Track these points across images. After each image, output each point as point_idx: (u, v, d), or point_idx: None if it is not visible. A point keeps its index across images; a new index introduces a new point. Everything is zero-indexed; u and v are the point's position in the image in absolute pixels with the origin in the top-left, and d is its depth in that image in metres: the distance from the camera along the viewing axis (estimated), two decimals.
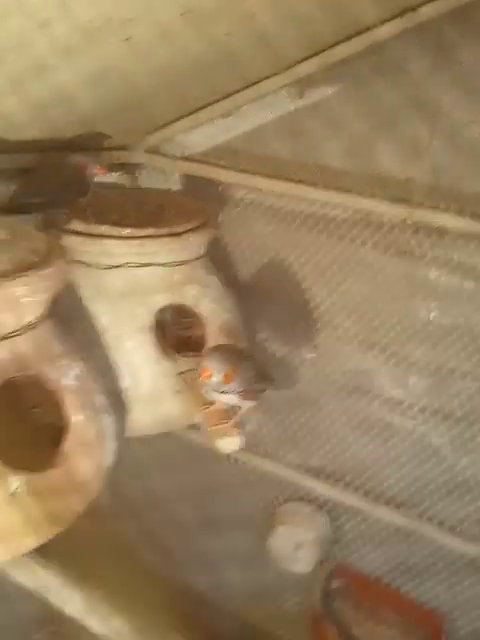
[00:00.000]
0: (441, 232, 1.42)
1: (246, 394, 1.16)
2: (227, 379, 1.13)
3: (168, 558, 1.90)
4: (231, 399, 1.17)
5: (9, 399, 1.06)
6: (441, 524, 1.58)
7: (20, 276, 0.91)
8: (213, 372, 1.12)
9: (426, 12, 1.20)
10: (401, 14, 1.22)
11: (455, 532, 1.57)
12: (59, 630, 1.57)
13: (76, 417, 1.00)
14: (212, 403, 1.20)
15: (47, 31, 0.88)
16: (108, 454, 1.06)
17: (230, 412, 1.23)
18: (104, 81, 1.13)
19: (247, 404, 1.19)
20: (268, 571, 1.80)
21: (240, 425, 1.22)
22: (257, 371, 1.19)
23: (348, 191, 1.42)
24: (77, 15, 0.86)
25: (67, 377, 1.00)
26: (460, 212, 1.35)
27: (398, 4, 1.20)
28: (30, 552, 0.95)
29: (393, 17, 1.22)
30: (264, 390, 1.25)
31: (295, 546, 1.67)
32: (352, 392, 1.62)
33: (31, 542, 0.94)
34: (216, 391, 1.15)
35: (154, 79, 1.19)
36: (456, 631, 1.64)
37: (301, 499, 1.74)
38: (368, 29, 1.25)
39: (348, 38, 1.27)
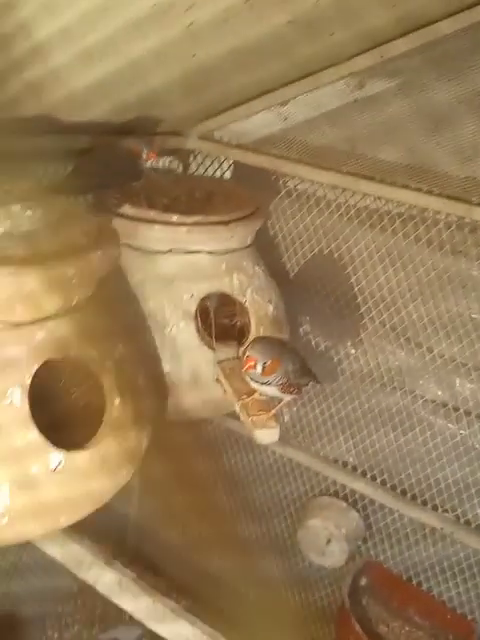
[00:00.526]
0: None
1: (288, 387, 1.15)
2: (270, 370, 1.12)
3: (195, 544, 1.93)
4: (272, 391, 1.17)
5: (51, 378, 1.09)
6: (478, 528, 1.55)
7: (70, 258, 0.92)
8: (256, 362, 1.12)
9: None
10: (463, 10, 1.17)
11: None
12: (84, 603, 1.63)
13: (115, 399, 1.02)
14: (252, 393, 1.20)
15: (113, 13, 0.89)
16: (144, 437, 1.07)
17: (269, 403, 1.23)
18: (162, 66, 1.13)
19: (288, 397, 1.19)
20: (297, 563, 1.81)
21: (279, 416, 1.22)
22: (300, 365, 1.18)
23: (404, 186, 1.38)
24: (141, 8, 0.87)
25: (109, 359, 1.02)
26: None
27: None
28: (66, 528, 0.99)
29: (455, 12, 1.17)
30: (306, 385, 1.24)
31: (326, 540, 1.66)
32: (395, 390, 1.59)
33: (67, 519, 0.97)
34: (258, 382, 1.15)
35: (212, 66, 1.18)
36: None
37: (335, 494, 1.73)
38: (429, 24, 1.20)
39: (408, 32, 1.23)
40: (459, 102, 1.31)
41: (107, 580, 0.99)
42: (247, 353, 1.13)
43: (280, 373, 1.14)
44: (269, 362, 1.12)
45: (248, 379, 1.16)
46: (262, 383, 1.15)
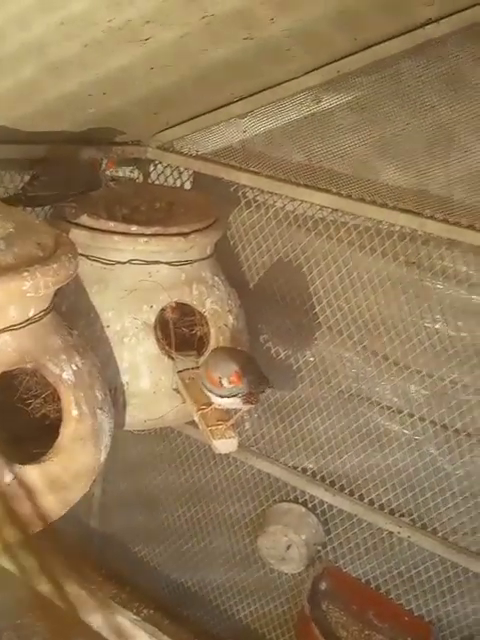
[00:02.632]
0: (451, 245, 1.42)
1: (247, 397, 1.16)
2: (235, 380, 1.13)
3: (157, 551, 1.93)
4: (234, 402, 1.18)
5: (8, 389, 1.08)
6: (434, 532, 1.58)
7: (25, 271, 0.92)
8: (220, 378, 1.13)
9: (444, 26, 1.20)
10: (417, 28, 1.21)
11: (447, 541, 1.57)
12: (43, 615, 1.61)
13: (73, 412, 1.01)
14: (210, 404, 1.21)
15: (66, 28, 0.89)
16: (102, 449, 1.07)
17: (228, 413, 1.24)
18: (122, 79, 1.14)
19: (247, 406, 1.20)
20: (257, 570, 1.82)
21: (237, 426, 1.23)
22: (258, 373, 1.20)
23: (359, 199, 1.42)
24: (99, 15, 0.87)
25: (66, 372, 1.02)
26: (471, 226, 1.35)
27: (415, 18, 1.19)
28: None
29: (409, 30, 1.22)
30: (263, 391, 1.26)
31: (286, 546, 1.68)
32: (352, 398, 1.62)
33: (23, 531, 0.96)
34: (221, 396, 1.16)
35: (171, 78, 1.19)
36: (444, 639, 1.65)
37: (294, 500, 1.75)
38: (384, 40, 1.25)
39: (365, 48, 1.27)
40: (412, 117, 1.35)
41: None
42: (210, 371, 1.13)
43: (243, 384, 1.15)
44: (232, 376, 1.13)
45: (209, 394, 1.17)
46: (224, 397, 1.16)
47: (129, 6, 0.87)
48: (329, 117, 1.42)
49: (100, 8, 0.86)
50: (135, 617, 1.08)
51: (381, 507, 1.63)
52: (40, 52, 0.95)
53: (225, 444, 1.21)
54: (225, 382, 1.13)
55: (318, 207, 1.52)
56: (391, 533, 1.63)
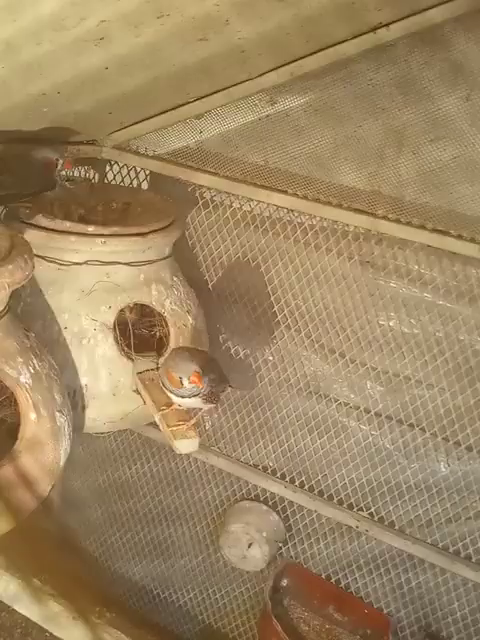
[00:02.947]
0: (403, 244, 1.46)
1: (208, 397, 1.16)
2: (195, 380, 1.13)
3: (117, 553, 1.91)
4: (194, 402, 1.18)
5: None
6: (391, 525, 1.62)
7: None
8: (181, 378, 1.13)
9: (394, 30, 1.23)
10: (368, 31, 1.24)
11: (404, 534, 1.61)
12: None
13: (31, 415, 1.00)
14: (171, 404, 1.21)
15: (18, 24, 0.87)
16: (62, 452, 1.06)
17: (188, 413, 1.24)
18: (76, 78, 1.13)
19: (208, 406, 1.20)
20: (219, 568, 1.82)
21: (197, 426, 1.23)
22: (218, 373, 1.21)
23: (315, 200, 1.45)
24: (50, 14, 0.86)
25: (23, 375, 1.00)
26: (422, 226, 1.39)
27: (366, 22, 1.22)
28: None
29: (361, 34, 1.25)
30: (223, 391, 1.26)
31: (247, 544, 1.69)
32: (310, 395, 1.65)
33: None
34: (181, 396, 1.16)
35: (126, 78, 1.19)
36: (401, 630, 1.69)
37: (256, 497, 1.76)
38: (337, 43, 1.27)
39: (318, 51, 1.29)
40: (365, 119, 1.39)
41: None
42: (169, 371, 1.13)
43: (204, 384, 1.15)
44: (192, 375, 1.13)
45: (170, 394, 1.17)
46: (185, 397, 1.16)
47: (83, 6, 0.86)
48: (284, 118, 1.44)
49: (57, 8, 0.85)
50: (97, 621, 1.07)
51: (340, 502, 1.66)
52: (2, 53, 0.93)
53: (186, 444, 1.21)
54: (185, 382, 1.13)
55: (275, 207, 1.54)
56: (350, 527, 1.66)
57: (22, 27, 0.88)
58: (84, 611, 1.15)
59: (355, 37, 1.28)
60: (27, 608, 1.13)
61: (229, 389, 1.31)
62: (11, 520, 0.98)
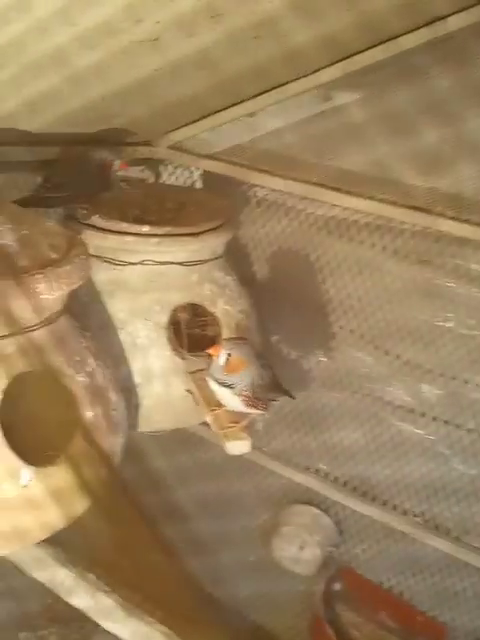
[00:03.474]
0: (461, 242, 1.41)
1: (252, 401, 1.15)
2: (233, 367, 1.10)
3: (173, 554, 1.92)
4: (236, 403, 1.16)
5: (23, 392, 1.08)
6: (447, 533, 1.58)
7: (39, 273, 0.92)
8: (222, 351, 1.09)
9: (454, 23, 1.19)
10: (428, 24, 1.20)
11: (461, 541, 1.57)
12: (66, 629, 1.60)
13: (87, 414, 1.01)
14: (221, 405, 1.21)
15: (75, 29, 0.89)
16: (117, 451, 1.07)
17: (241, 414, 1.23)
18: (131, 79, 1.14)
19: (254, 411, 1.18)
20: (271, 571, 1.82)
21: (250, 428, 1.22)
22: (270, 380, 1.18)
23: (370, 197, 1.42)
24: (105, 12, 0.87)
25: (80, 373, 1.01)
26: None
27: (425, 14, 1.19)
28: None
29: (419, 26, 1.21)
30: (275, 400, 1.24)
31: (299, 547, 1.68)
32: (364, 398, 1.62)
33: (40, 534, 0.96)
34: (219, 381, 1.12)
35: (180, 78, 1.19)
36: None
37: (308, 501, 1.74)
38: (394, 37, 1.24)
39: (374, 45, 1.26)
40: (422, 114, 1.35)
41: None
42: (219, 341, 1.11)
43: (244, 379, 1.11)
44: (235, 357, 1.09)
45: (212, 383, 1.15)
46: (225, 385, 1.12)
47: (138, 9, 0.86)
48: (338, 115, 1.41)
49: (112, 12, 0.86)
50: (150, 619, 1.07)
51: (394, 508, 1.63)
52: (59, 61, 0.95)
53: (238, 446, 1.19)
54: (223, 358, 1.09)
55: (328, 205, 1.51)
56: (404, 533, 1.63)
57: (78, 32, 0.89)
58: (137, 607, 1.16)
59: (412, 30, 1.25)
60: (82, 601, 1.14)
61: (282, 398, 1.27)
62: (67, 520, 1.00)
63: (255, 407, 1.15)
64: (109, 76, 1.09)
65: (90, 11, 0.85)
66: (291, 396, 1.27)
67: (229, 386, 1.13)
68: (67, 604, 1.06)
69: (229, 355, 1.10)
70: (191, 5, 0.90)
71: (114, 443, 1.06)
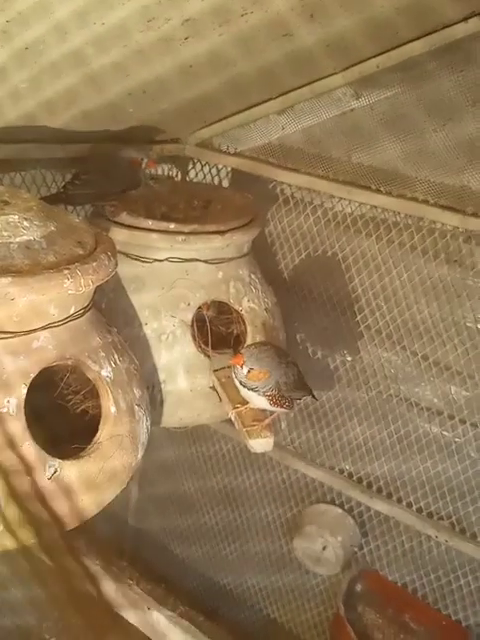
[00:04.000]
0: None
1: (277, 399, 1.15)
2: (254, 377, 1.12)
3: (193, 551, 1.94)
4: (261, 401, 1.17)
5: (48, 386, 1.10)
6: (473, 537, 1.55)
7: (66, 269, 0.93)
8: (244, 363, 1.12)
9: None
10: (465, 19, 1.17)
11: None
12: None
13: (111, 408, 1.02)
14: (245, 403, 1.21)
15: (105, 27, 0.89)
16: (140, 446, 1.08)
17: (264, 413, 1.23)
18: (160, 76, 1.14)
19: (278, 409, 1.19)
20: (293, 570, 1.81)
21: (273, 426, 1.22)
22: (296, 378, 1.18)
23: (400, 196, 1.39)
24: (136, 14, 0.88)
25: (105, 369, 1.03)
26: None
27: (468, 6, 1.16)
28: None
29: (455, 22, 1.18)
30: (299, 399, 1.24)
31: (322, 547, 1.67)
32: (390, 399, 1.60)
33: (65, 526, 0.98)
34: (245, 386, 1.15)
35: (209, 75, 1.19)
36: None
37: (331, 501, 1.73)
38: (430, 33, 1.21)
39: (408, 42, 1.24)
40: (454, 112, 1.32)
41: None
42: (242, 351, 1.12)
43: (267, 383, 1.14)
44: (256, 370, 1.12)
45: (237, 383, 1.16)
46: (249, 389, 1.15)
47: (169, 6, 0.87)
48: (369, 112, 1.39)
49: (143, 8, 0.86)
50: (171, 613, 1.08)
51: (419, 510, 1.61)
52: (81, 61, 0.96)
53: (260, 443, 1.20)
54: (246, 370, 1.12)
55: (357, 204, 1.50)
56: (429, 537, 1.60)
57: (109, 29, 0.90)
58: (158, 601, 1.17)
59: (449, 26, 1.22)
60: (104, 593, 1.16)
61: (306, 398, 1.27)
62: (93, 506, 1.01)
63: (280, 406, 1.16)
64: (139, 72, 1.10)
65: (119, 9, 0.86)
66: (314, 397, 1.27)
67: (253, 389, 1.15)
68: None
69: (251, 369, 1.12)
70: (221, 2, 0.90)
71: (137, 438, 1.07)
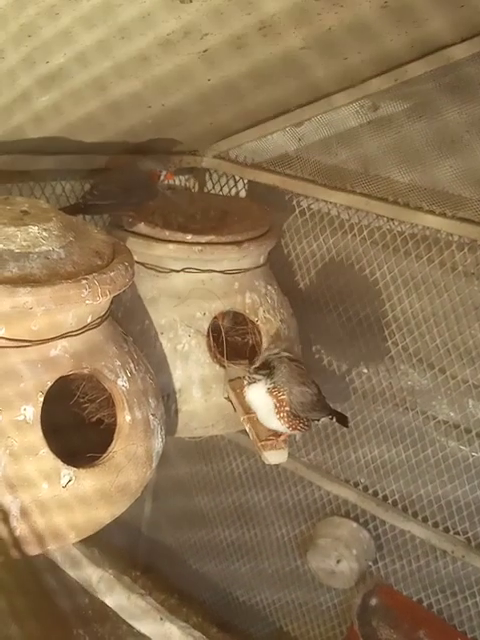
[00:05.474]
0: None
1: (293, 421, 1.14)
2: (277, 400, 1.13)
3: (207, 563, 1.93)
4: (277, 425, 1.16)
5: (65, 394, 1.10)
6: None
7: (83, 279, 0.94)
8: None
9: None
10: (476, 35, 1.18)
11: None
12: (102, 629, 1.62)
13: (126, 417, 1.03)
14: (254, 412, 1.21)
15: (127, 41, 0.91)
16: (154, 454, 1.08)
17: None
18: (179, 90, 1.16)
19: (292, 432, 1.18)
20: (307, 583, 1.80)
21: (288, 439, 1.22)
22: (314, 399, 1.16)
23: (417, 208, 1.39)
24: (158, 28, 0.89)
25: (121, 378, 1.03)
26: None
27: (476, 23, 1.16)
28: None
29: (470, 37, 1.19)
30: (317, 420, 1.22)
31: (336, 560, 1.65)
32: (406, 411, 1.59)
33: (78, 534, 0.98)
34: (253, 378, 1.15)
35: (227, 89, 1.20)
36: None
37: (346, 514, 1.72)
38: (443, 48, 1.22)
39: (422, 56, 1.24)
40: (472, 125, 1.32)
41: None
42: (276, 386, 1.12)
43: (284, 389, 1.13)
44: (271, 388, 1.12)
45: (246, 386, 1.16)
46: (256, 380, 1.15)
47: (187, 21, 0.88)
48: (387, 125, 1.39)
49: (163, 24, 0.87)
50: (184, 624, 1.08)
51: (435, 525, 1.59)
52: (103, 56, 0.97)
53: (275, 455, 1.20)
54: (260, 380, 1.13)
55: (374, 216, 1.50)
56: (444, 552, 1.58)
57: (132, 45, 0.92)
58: (171, 612, 1.17)
59: (463, 41, 1.23)
60: (117, 603, 1.16)
61: (324, 420, 1.26)
62: (107, 515, 1.02)
63: (293, 428, 1.15)
64: (158, 86, 1.11)
65: (144, 27, 0.87)
66: (332, 417, 1.25)
67: (253, 382, 1.15)
68: (103, 604, 1.08)
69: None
70: (239, 17, 0.91)
71: (151, 447, 1.07)
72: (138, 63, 0.99)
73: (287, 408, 1.13)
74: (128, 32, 0.88)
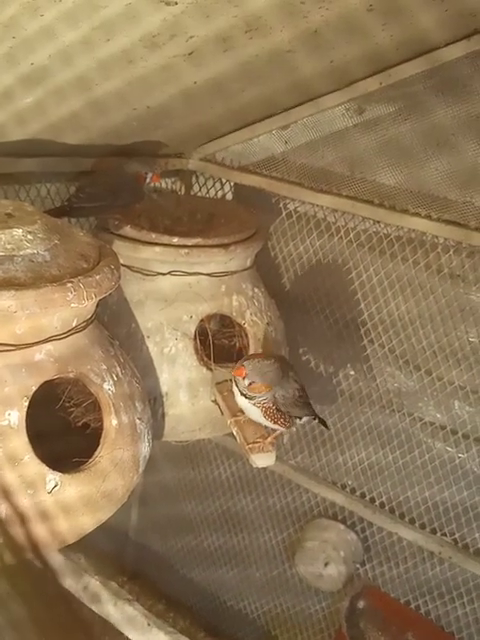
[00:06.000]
0: None
1: (273, 413, 1.14)
2: (254, 389, 1.13)
3: (193, 566, 1.92)
4: (256, 413, 1.16)
5: (50, 398, 1.09)
6: (477, 553, 1.54)
7: (69, 282, 0.93)
8: (246, 374, 1.12)
9: None
10: (468, 36, 1.18)
11: None
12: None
13: (113, 422, 1.02)
14: (243, 413, 1.20)
15: (112, 42, 0.90)
16: (141, 458, 1.08)
17: (266, 429, 1.22)
18: (164, 93, 1.15)
19: (273, 425, 1.18)
20: (294, 588, 1.80)
21: (276, 442, 1.22)
22: (297, 395, 1.17)
23: (403, 210, 1.40)
24: (143, 28, 0.89)
25: (107, 382, 1.02)
26: None
27: (465, 25, 1.17)
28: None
29: (458, 39, 1.19)
30: (299, 418, 1.22)
31: (324, 563, 1.65)
32: (393, 413, 1.59)
33: (65, 540, 0.97)
34: (243, 394, 1.15)
35: (214, 91, 1.20)
36: None
37: (333, 516, 1.72)
38: (430, 51, 1.22)
39: (410, 58, 1.25)
40: (458, 127, 1.33)
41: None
42: (244, 364, 1.12)
43: (265, 395, 1.14)
44: (257, 383, 1.12)
45: (236, 392, 1.16)
46: (247, 397, 1.15)
47: (173, 23, 0.87)
48: (373, 127, 1.40)
49: (148, 26, 0.87)
50: (171, 630, 1.07)
51: (422, 526, 1.59)
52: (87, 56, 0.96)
53: (263, 458, 1.19)
54: (247, 382, 1.12)
55: (360, 218, 1.50)
56: (432, 553, 1.59)
57: (117, 46, 0.91)
58: (158, 618, 1.16)
59: (449, 44, 1.23)
60: (104, 609, 1.15)
61: (305, 420, 1.26)
62: (93, 521, 1.01)
63: (275, 421, 1.16)
64: (143, 88, 1.11)
65: (129, 28, 0.86)
66: (316, 417, 1.26)
67: (250, 398, 1.15)
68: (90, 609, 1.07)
69: (252, 383, 1.13)
70: (225, 19, 0.90)
71: (138, 451, 1.06)
72: (123, 64, 0.99)
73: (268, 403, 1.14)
74: (114, 33, 0.88)
